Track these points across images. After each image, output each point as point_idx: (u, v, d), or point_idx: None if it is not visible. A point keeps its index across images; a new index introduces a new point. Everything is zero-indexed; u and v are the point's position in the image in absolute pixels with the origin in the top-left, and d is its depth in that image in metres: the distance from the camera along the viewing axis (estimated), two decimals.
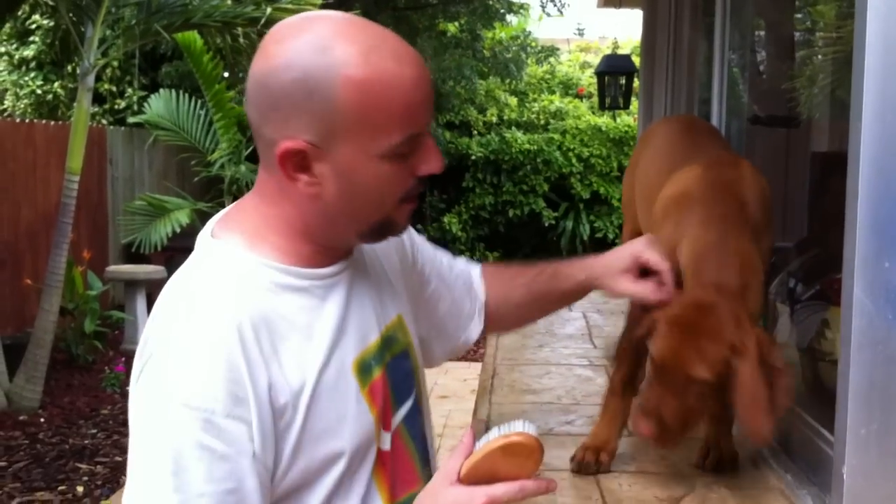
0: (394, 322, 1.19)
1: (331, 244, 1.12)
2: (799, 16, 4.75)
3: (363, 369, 1.11)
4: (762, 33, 4.95)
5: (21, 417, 5.42)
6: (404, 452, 1.18)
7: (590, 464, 2.56)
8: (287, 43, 1.02)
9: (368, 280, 1.18)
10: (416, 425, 1.21)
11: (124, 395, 5.90)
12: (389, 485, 1.14)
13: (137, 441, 1.00)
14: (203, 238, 1.12)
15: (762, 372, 2.11)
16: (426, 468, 1.22)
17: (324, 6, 7.31)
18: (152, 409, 0.99)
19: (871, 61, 1.95)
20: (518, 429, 1.07)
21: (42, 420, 5.44)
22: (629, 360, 2.62)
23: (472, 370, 5.82)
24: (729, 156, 2.80)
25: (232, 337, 1.00)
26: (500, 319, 1.49)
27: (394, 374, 1.16)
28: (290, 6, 6.50)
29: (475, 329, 1.45)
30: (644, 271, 1.45)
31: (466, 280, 1.45)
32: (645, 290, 1.45)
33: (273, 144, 1.04)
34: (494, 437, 1.07)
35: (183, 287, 1.07)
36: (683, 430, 2.22)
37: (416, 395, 1.22)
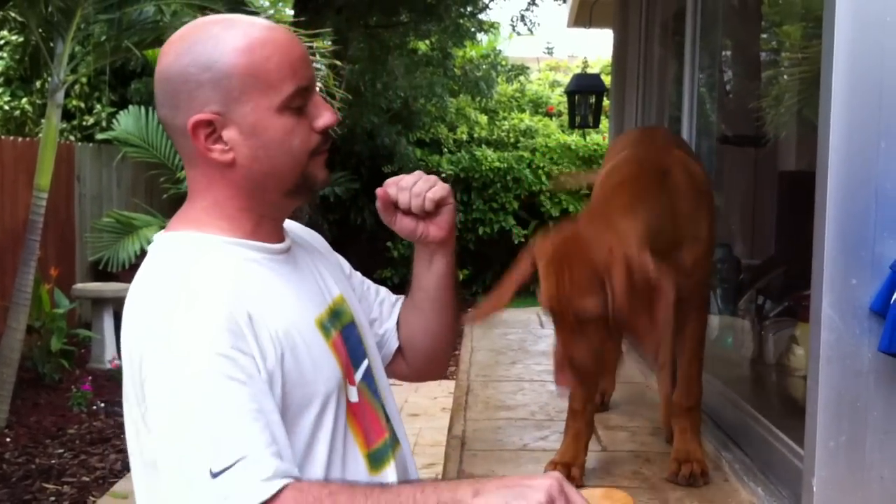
0: (338, 299, 1.33)
1: (268, 212, 1.25)
2: (765, 36, 4.82)
3: (323, 327, 1.25)
4: (730, 53, 5.02)
5: None
6: (370, 406, 1.31)
7: None
8: (178, 42, 1.20)
9: (312, 262, 1.34)
10: (374, 386, 1.34)
11: (90, 415, 5.85)
12: (363, 433, 1.27)
13: (166, 400, 1.08)
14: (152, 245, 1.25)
15: (636, 288, 2.06)
16: (389, 423, 1.35)
17: (295, 24, 7.32)
18: (170, 366, 1.08)
19: (838, 82, 1.99)
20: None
21: (8, 440, 5.36)
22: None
23: (442, 388, 5.81)
24: (668, 147, 2.76)
25: (229, 296, 1.13)
26: (414, 342, 1.51)
27: (348, 338, 1.30)
28: None
29: (392, 344, 1.50)
30: None
31: (390, 303, 1.53)
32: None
33: (186, 128, 1.17)
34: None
35: (162, 273, 1.17)
36: (600, 367, 2.18)
37: (368, 361, 1.34)
